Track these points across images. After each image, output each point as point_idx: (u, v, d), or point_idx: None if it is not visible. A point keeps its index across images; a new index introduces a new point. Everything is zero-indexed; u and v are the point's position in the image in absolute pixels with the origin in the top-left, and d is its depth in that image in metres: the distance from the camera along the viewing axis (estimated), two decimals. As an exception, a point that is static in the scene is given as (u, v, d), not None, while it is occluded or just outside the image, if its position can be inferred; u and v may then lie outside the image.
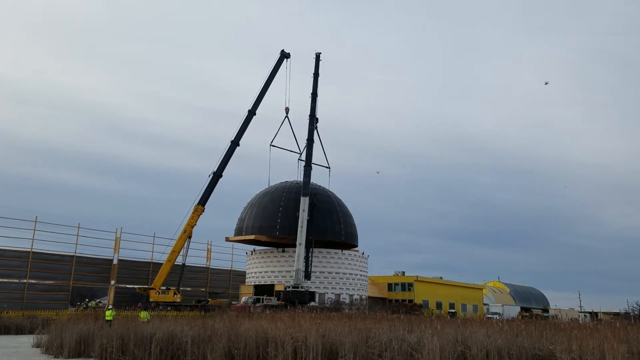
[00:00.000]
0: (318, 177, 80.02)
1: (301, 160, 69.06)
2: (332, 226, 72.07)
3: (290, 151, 72.14)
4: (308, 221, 62.42)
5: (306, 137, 68.76)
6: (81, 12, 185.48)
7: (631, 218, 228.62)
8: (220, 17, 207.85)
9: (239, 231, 74.26)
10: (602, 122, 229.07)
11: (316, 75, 71.65)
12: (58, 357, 19.22)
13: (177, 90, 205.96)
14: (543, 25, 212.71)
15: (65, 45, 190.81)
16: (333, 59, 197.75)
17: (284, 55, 70.85)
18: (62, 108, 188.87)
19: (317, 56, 73.09)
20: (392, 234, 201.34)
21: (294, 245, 63.50)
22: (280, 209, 70.42)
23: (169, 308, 54.59)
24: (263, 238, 71.09)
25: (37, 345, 21.88)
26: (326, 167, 73.83)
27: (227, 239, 76.23)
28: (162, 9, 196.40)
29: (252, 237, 71.46)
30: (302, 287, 59.18)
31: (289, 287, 60.18)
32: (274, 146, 70.81)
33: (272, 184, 76.38)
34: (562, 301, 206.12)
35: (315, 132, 70.11)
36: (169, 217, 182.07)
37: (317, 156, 71.01)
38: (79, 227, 58.68)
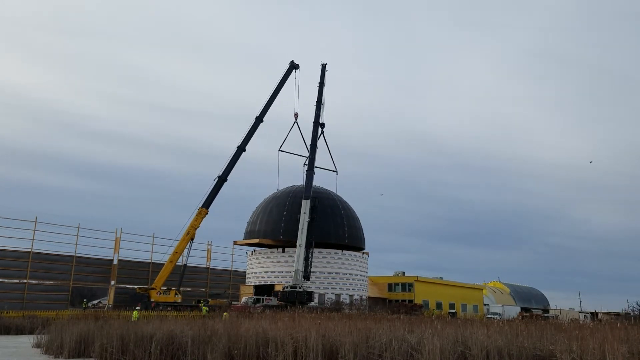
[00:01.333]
0: (324, 181, 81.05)
1: (306, 165, 70.07)
2: (335, 230, 73.14)
3: (299, 155, 73.49)
4: (309, 223, 63.03)
5: (309, 143, 70.16)
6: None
7: (606, 217, 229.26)
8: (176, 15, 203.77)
9: (248, 235, 75.62)
10: (556, 119, 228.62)
11: (321, 84, 73.63)
12: (58, 357, 19.21)
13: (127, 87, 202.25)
14: (487, 22, 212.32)
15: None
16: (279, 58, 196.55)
17: (293, 66, 72.78)
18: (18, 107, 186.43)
19: (323, 67, 75.28)
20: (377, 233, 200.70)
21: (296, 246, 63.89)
22: (285, 212, 71.51)
23: (169, 308, 54.61)
24: (267, 241, 71.98)
25: (37, 345, 21.87)
26: (333, 170, 75.39)
27: (236, 243, 77.26)
28: (106, 6, 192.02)
29: (256, 240, 72.56)
30: (300, 288, 59.46)
31: (287, 288, 60.55)
32: (282, 151, 72.28)
33: (279, 188, 77.61)
34: (562, 301, 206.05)
35: (322, 136, 72.47)
36: (136, 215, 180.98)
37: (324, 160, 73.24)
38: (78, 227, 58.81)
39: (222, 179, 63.95)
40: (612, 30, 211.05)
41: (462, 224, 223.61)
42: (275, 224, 71.77)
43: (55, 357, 19.29)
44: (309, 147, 70.03)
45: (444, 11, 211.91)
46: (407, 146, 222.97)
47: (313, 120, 70.94)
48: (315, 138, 69.45)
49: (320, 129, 71.55)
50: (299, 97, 72.91)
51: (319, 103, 71.91)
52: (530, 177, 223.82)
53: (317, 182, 72.57)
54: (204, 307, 52.58)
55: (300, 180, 73.34)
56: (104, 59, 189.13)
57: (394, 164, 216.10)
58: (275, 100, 70.18)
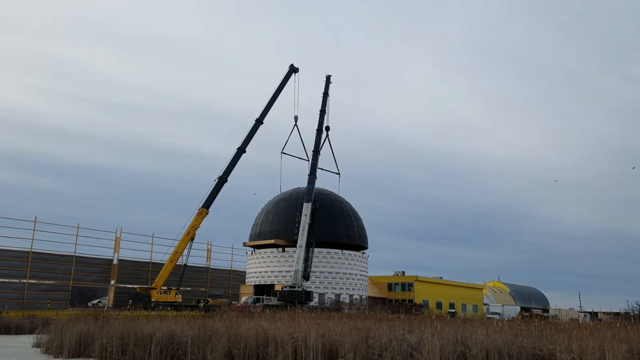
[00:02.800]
0: (327, 181, 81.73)
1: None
2: (340, 230, 74.81)
3: (300, 158, 74.70)
4: (310, 225, 63.80)
5: (312, 149, 71.09)
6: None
7: (578, 216, 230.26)
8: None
9: (256, 236, 76.14)
10: (506, 117, 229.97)
11: (325, 95, 75.13)
12: (58, 357, 19.20)
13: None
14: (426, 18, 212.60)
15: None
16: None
17: (293, 70, 73.58)
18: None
19: (327, 78, 76.48)
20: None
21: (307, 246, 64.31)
22: (298, 213, 71.51)
23: (169, 308, 54.65)
24: (282, 242, 72.23)
25: (37, 345, 21.86)
26: (336, 173, 76.69)
27: (245, 244, 77.55)
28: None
29: (272, 241, 72.83)
30: (299, 287, 59.68)
31: (286, 287, 60.78)
32: (285, 154, 73.24)
33: (282, 190, 78.55)
34: (562, 301, 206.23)
35: (327, 140, 74.44)
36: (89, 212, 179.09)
37: (327, 162, 74.35)
38: (78, 227, 58.84)
39: (223, 180, 64.28)
40: (567, 29, 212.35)
41: (431, 223, 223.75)
42: (288, 225, 72.17)
43: (55, 357, 19.28)
44: (310, 152, 71.10)
45: (371, 7, 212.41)
46: (365, 143, 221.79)
47: (317, 127, 72.30)
48: (318, 144, 70.80)
49: (325, 132, 73.45)
50: (296, 99, 73.60)
51: (323, 112, 73.48)
52: (492, 175, 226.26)
53: (321, 182, 73.49)
54: (202, 304, 53.46)
55: (301, 182, 74.33)
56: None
57: (358, 163, 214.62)
58: (269, 101, 70.60)
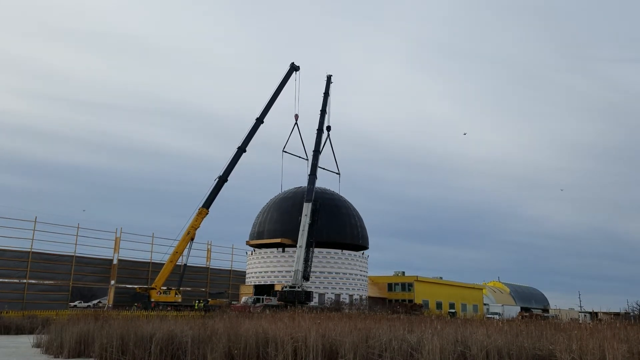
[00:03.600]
0: (326, 180, 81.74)
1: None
2: (346, 231, 75.31)
3: (300, 157, 74.78)
4: (310, 225, 63.87)
5: (312, 149, 71.25)
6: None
7: (562, 215, 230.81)
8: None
9: (259, 235, 75.76)
10: (473, 116, 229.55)
11: (326, 94, 75.18)
12: (58, 357, 19.20)
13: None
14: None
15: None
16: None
17: (294, 68, 73.56)
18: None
19: (328, 78, 76.54)
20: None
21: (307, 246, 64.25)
22: (300, 213, 71.36)
23: (168, 308, 54.67)
24: (288, 241, 71.90)
25: (37, 345, 21.86)
26: (336, 173, 76.90)
27: (248, 243, 77.35)
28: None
29: (277, 240, 72.35)
30: (299, 287, 59.69)
31: (286, 288, 60.80)
32: (286, 152, 73.42)
33: (283, 189, 78.83)
34: (562, 301, 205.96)
35: (328, 139, 74.68)
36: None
37: (328, 162, 74.59)
38: (78, 227, 58.79)
39: (223, 180, 64.10)
40: (533, 29, 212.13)
41: (411, 222, 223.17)
42: (293, 224, 70.96)
43: (55, 357, 19.28)
44: (311, 152, 71.25)
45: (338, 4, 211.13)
46: (339, 141, 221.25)
47: (317, 127, 72.41)
48: (318, 144, 70.86)
49: (327, 131, 73.67)
50: (297, 97, 73.53)
51: (323, 112, 73.54)
52: (472, 175, 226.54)
53: (321, 182, 73.63)
54: (196, 303, 53.36)
55: (301, 182, 74.42)
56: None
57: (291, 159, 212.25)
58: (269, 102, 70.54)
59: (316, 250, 67.21)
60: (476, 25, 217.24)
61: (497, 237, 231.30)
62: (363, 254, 77.78)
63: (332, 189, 79.90)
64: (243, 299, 64.17)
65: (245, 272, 78.15)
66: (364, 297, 74.55)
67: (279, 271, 70.97)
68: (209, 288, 75.04)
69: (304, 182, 71.52)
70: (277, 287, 66.32)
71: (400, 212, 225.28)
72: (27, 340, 24.43)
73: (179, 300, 61.90)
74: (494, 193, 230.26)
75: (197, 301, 61.18)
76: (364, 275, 77.28)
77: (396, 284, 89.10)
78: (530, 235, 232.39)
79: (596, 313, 78.16)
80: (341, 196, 79.40)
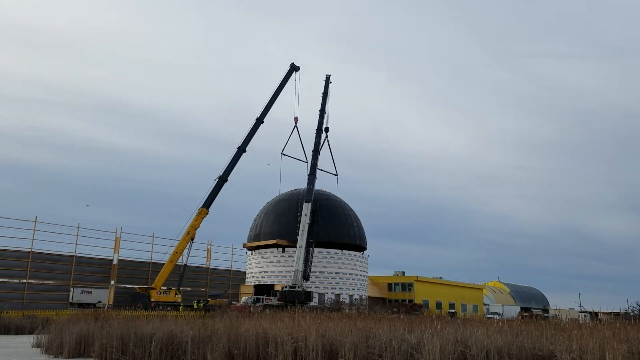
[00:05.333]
0: (324, 183, 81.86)
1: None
2: (347, 230, 75.37)
3: (299, 160, 74.76)
4: (310, 225, 63.93)
5: (312, 149, 71.23)
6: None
7: (525, 212, 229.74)
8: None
9: (256, 237, 75.92)
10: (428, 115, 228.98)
11: (325, 94, 75.06)
12: (58, 357, 19.20)
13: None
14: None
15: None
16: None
17: (294, 68, 73.40)
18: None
19: (327, 78, 76.31)
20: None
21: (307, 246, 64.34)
22: (298, 214, 71.62)
23: (168, 308, 54.69)
24: (284, 243, 72.17)
25: (37, 345, 21.86)
26: (334, 174, 76.84)
27: (245, 245, 77.45)
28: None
29: (274, 241, 72.62)
30: (299, 287, 59.71)
31: (286, 288, 60.84)
32: (285, 155, 73.34)
33: (281, 191, 78.57)
34: (562, 301, 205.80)
35: (327, 141, 74.51)
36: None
37: (326, 164, 74.45)
38: (78, 227, 58.80)
39: (223, 180, 64.04)
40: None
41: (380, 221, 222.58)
42: (290, 226, 71.86)
43: (55, 357, 19.28)
44: (310, 153, 71.35)
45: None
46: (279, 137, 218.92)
47: (316, 128, 72.36)
48: (318, 144, 70.91)
49: (325, 133, 73.39)
50: (296, 99, 73.58)
51: (322, 112, 73.50)
52: (429, 172, 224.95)
53: (318, 184, 73.51)
54: (195, 304, 53.36)
55: (300, 184, 74.46)
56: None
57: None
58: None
59: (316, 250, 67.23)
60: (414, 23, 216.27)
61: (467, 236, 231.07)
62: (363, 254, 77.80)
63: (331, 191, 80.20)
64: (243, 299, 64.17)
65: (245, 272, 78.17)
66: (364, 297, 74.56)
67: (279, 271, 71.00)
68: (209, 288, 75.06)
69: (300, 185, 71.69)
70: (277, 287, 66.32)
71: (381, 212, 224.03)
72: (27, 340, 24.44)
73: (179, 300, 61.93)
74: (456, 190, 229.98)
75: (195, 301, 61.21)
76: (363, 275, 77.30)
77: (396, 284, 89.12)
78: (494, 232, 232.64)
79: (596, 313, 78.22)
80: (338, 197, 79.41)
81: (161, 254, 64.50)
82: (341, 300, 69.12)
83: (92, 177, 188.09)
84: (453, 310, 79.91)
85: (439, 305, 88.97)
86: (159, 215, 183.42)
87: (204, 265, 75.95)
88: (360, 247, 77.93)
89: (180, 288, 63.52)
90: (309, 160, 71.08)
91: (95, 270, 62.31)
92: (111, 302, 61.31)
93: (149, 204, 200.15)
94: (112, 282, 62.89)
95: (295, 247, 70.21)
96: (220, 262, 79.11)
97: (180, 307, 57.25)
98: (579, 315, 76.54)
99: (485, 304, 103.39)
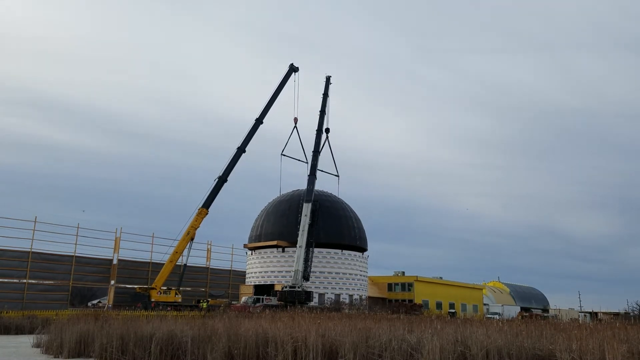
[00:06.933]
0: (325, 183, 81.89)
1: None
2: (348, 231, 75.40)
3: (300, 160, 74.71)
4: (310, 225, 63.94)
5: (312, 150, 71.26)
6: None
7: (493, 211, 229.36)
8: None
9: (257, 238, 75.98)
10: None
11: (325, 95, 75.11)
12: (58, 357, 19.19)
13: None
14: None
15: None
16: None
17: (293, 69, 73.44)
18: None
19: (327, 79, 76.41)
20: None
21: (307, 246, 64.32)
22: (298, 215, 71.60)
23: (168, 308, 54.67)
24: (284, 244, 72.15)
25: (37, 345, 21.85)
26: (335, 175, 76.61)
27: (246, 246, 77.44)
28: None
29: (274, 242, 72.66)
30: (299, 287, 59.75)
31: (285, 288, 60.86)
32: (285, 155, 73.36)
33: (282, 192, 78.47)
34: (562, 301, 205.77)
35: (327, 142, 74.38)
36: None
37: (327, 164, 74.16)
38: (78, 227, 58.80)
39: (222, 180, 64.10)
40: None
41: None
42: (290, 226, 71.73)
43: (55, 357, 19.28)
44: (310, 153, 71.30)
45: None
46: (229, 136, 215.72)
47: (316, 128, 72.34)
48: (318, 145, 70.92)
49: (325, 134, 73.37)
50: (296, 100, 73.60)
51: (322, 112, 73.51)
52: (392, 172, 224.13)
53: (319, 184, 73.64)
54: (203, 304, 53.42)
55: (301, 184, 74.48)
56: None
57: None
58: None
59: (316, 250, 67.26)
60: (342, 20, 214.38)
61: (433, 233, 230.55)
62: (363, 254, 77.81)
63: (332, 192, 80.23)
64: (243, 299, 64.18)
65: (245, 272, 78.18)
66: (363, 297, 74.59)
67: (278, 271, 71.01)
68: (209, 288, 75.08)
69: (300, 185, 71.69)
70: (277, 287, 66.32)
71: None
72: (27, 340, 24.43)
73: (179, 300, 61.93)
74: (425, 189, 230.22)
75: (203, 301, 61.11)
76: (363, 276, 77.32)
77: (396, 284, 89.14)
78: (465, 231, 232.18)
79: (596, 313, 78.23)
80: (338, 198, 79.47)
81: (161, 254, 64.57)
82: (341, 300, 69.14)
83: (93, 179, 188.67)
84: (453, 310, 79.90)
85: (438, 305, 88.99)
86: (159, 215, 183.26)
87: (204, 265, 75.96)
88: (361, 248, 77.94)
89: (180, 288, 63.53)
90: (309, 160, 71.20)
91: (95, 270, 62.31)
92: (111, 302, 61.33)
93: (150, 204, 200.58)
94: (112, 282, 62.91)
95: (295, 247, 70.32)
96: (220, 262, 79.19)
97: (181, 308, 57.20)
98: (578, 316, 76.56)
99: (485, 304, 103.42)
